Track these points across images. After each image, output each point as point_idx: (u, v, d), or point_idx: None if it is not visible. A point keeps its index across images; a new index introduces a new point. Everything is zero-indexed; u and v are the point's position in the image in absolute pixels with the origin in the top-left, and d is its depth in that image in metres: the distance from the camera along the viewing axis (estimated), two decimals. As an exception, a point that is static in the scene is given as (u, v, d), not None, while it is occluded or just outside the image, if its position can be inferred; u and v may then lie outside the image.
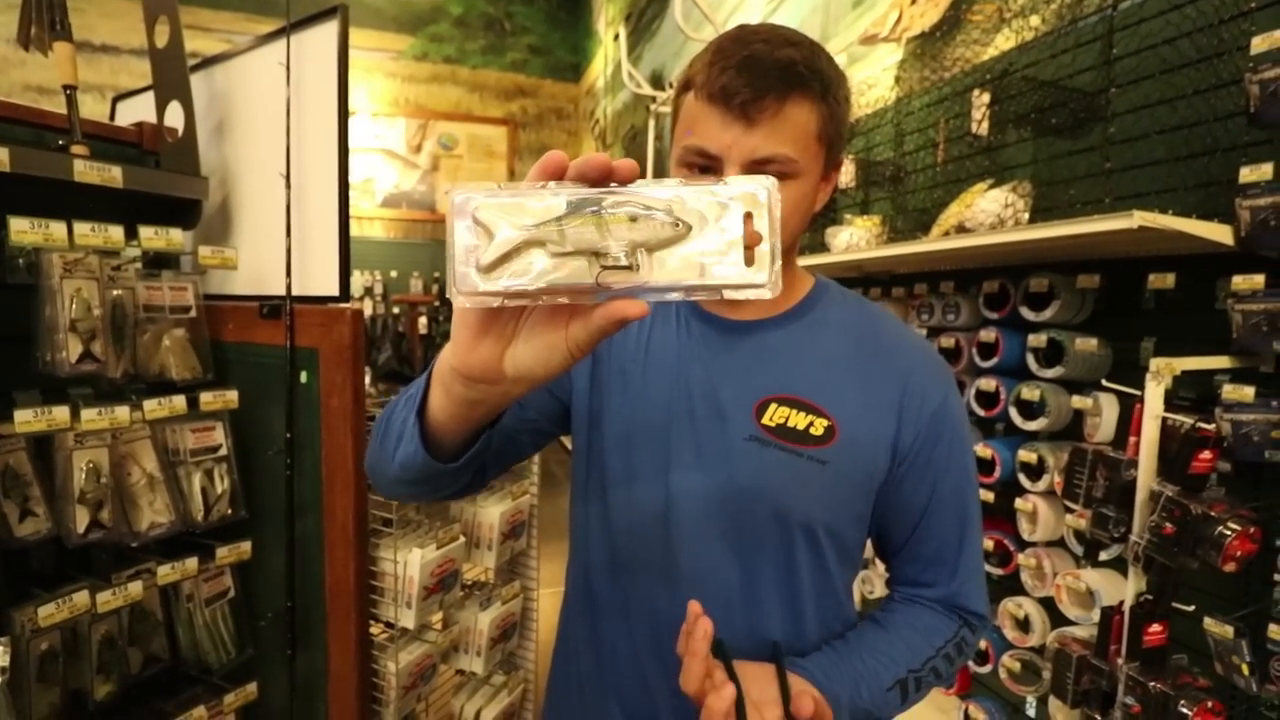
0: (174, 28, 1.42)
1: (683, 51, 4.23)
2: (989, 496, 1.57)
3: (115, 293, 1.27)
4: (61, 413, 1.13)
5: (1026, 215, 1.48)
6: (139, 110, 1.66)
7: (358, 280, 5.89)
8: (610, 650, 0.76)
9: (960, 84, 1.84)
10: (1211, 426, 1.09)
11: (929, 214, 1.81)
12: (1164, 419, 1.11)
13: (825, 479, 0.68)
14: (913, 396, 0.70)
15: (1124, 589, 1.15)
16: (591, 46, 6.63)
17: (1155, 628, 1.12)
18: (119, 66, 5.36)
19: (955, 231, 1.58)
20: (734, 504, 0.70)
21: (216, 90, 1.63)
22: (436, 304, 5.82)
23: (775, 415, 0.69)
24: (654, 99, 3.82)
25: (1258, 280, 1.08)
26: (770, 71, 0.61)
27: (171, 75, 1.45)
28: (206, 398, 1.38)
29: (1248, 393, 1.08)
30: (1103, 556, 1.37)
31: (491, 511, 1.68)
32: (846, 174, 2.15)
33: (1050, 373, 1.42)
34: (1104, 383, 1.29)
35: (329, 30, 1.43)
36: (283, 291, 1.43)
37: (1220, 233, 1.09)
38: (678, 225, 0.36)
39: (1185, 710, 1.06)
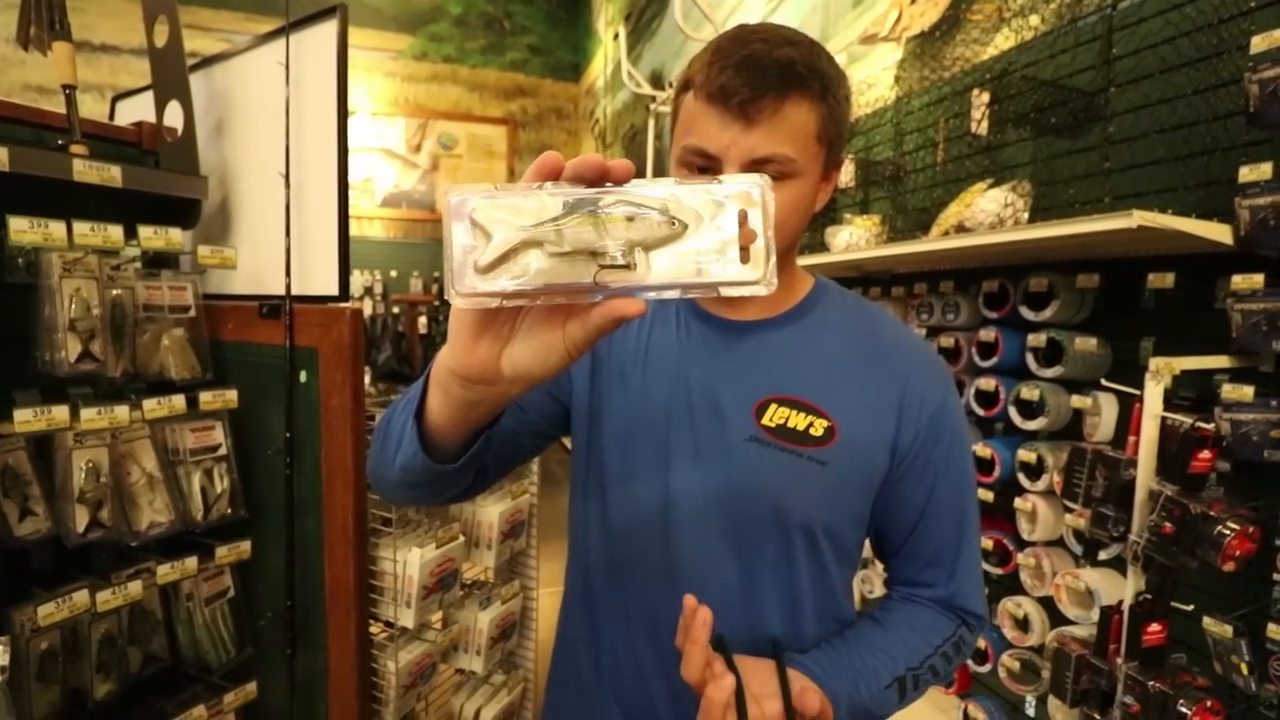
0: (173, 27, 1.42)
1: (682, 51, 4.23)
2: (988, 496, 1.57)
3: (114, 292, 1.27)
4: (61, 412, 1.13)
5: (1026, 215, 1.48)
6: (138, 110, 1.66)
7: (357, 280, 5.89)
8: (609, 650, 0.76)
9: (960, 83, 1.84)
10: (1211, 426, 1.09)
11: (928, 213, 1.81)
12: (1163, 418, 1.11)
13: (825, 480, 0.68)
14: (912, 397, 0.70)
15: (1123, 588, 1.15)
16: (591, 46, 6.63)
17: (1154, 627, 1.12)
18: (118, 66, 5.36)
19: (955, 231, 1.58)
20: (733, 504, 0.70)
21: (216, 90, 1.63)
22: (436, 303, 5.82)
23: (775, 416, 0.69)
24: (654, 98, 3.82)
25: (1257, 280, 1.08)
26: (769, 71, 0.61)
27: (171, 75, 1.45)
28: (206, 397, 1.38)
29: (1247, 392, 1.08)
30: (1102, 556, 1.37)
31: (491, 511, 1.68)
32: (846, 173, 2.15)
33: (1050, 372, 1.42)
34: (1103, 382, 1.29)
35: (328, 30, 1.43)
36: (282, 291, 1.43)
37: (1220, 232, 1.09)
38: (674, 224, 0.36)
39: (1184, 709, 1.06)
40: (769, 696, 0.60)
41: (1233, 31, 1.17)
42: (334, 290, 1.44)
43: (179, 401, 1.32)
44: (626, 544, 0.74)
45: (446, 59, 6.62)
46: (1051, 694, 1.32)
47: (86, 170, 1.20)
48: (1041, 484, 1.45)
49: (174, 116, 1.45)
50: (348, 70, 1.43)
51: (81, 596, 1.17)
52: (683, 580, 0.71)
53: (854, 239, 1.98)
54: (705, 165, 0.64)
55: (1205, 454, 1.09)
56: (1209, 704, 1.06)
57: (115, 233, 1.20)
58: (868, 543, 0.80)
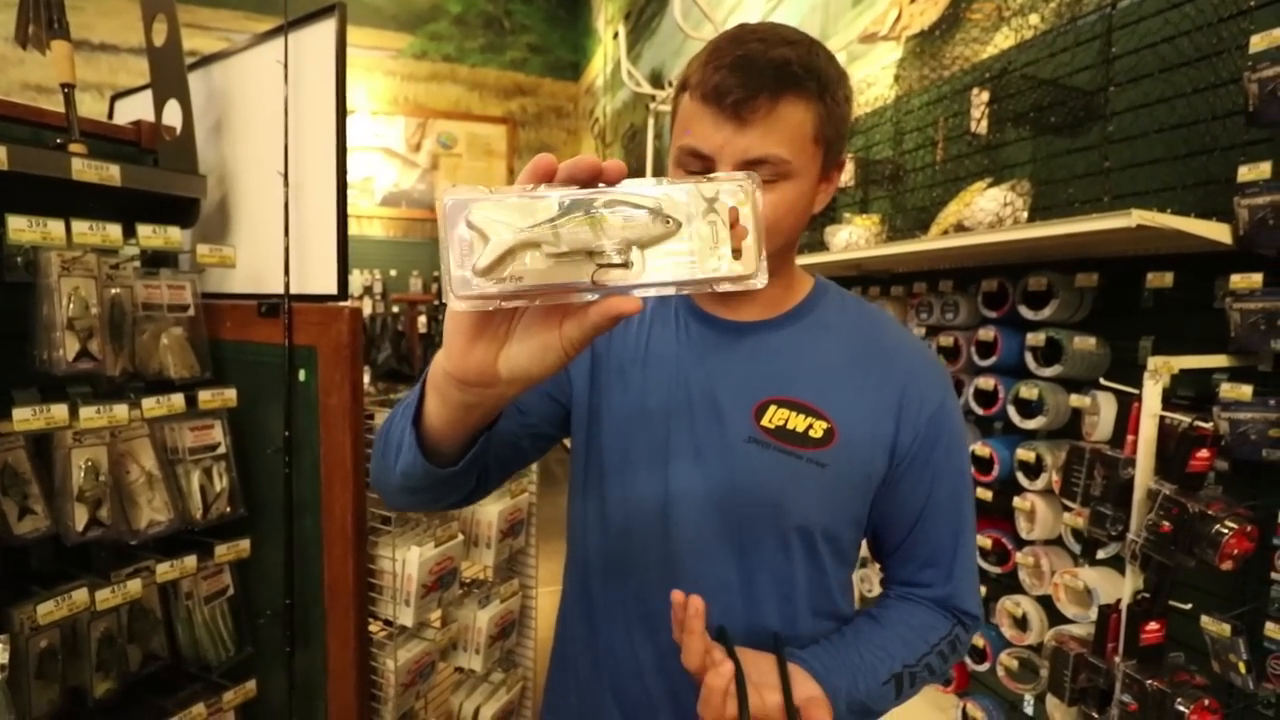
0: (172, 26, 1.42)
1: (682, 50, 4.23)
2: (987, 495, 1.57)
3: (113, 291, 1.27)
4: (60, 411, 1.14)
5: (1025, 214, 1.48)
6: (137, 109, 1.66)
7: (357, 279, 5.89)
8: (608, 649, 0.76)
9: (959, 82, 1.84)
10: (1209, 425, 1.09)
11: (928, 213, 1.81)
12: (1162, 417, 1.11)
13: (824, 481, 0.69)
14: (911, 399, 0.70)
15: (1121, 587, 1.16)
16: (591, 45, 6.63)
17: (1152, 626, 1.12)
18: (117, 65, 5.36)
19: (954, 230, 1.58)
20: (732, 504, 0.70)
21: (215, 89, 1.63)
22: (436, 303, 5.83)
23: (775, 417, 0.69)
24: (653, 97, 3.82)
25: (1256, 279, 1.08)
26: (764, 71, 0.60)
27: (169, 74, 1.45)
28: (205, 396, 1.38)
29: (1245, 391, 1.08)
30: (1100, 555, 1.37)
31: (490, 510, 1.68)
32: (845, 173, 2.14)
33: (1048, 371, 1.43)
34: (1102, 381, 1.29)
35: (327, 28, 1.43)
36: (281, 290, 1.43)
37: (1219, 231, 1.09)
38: (668, 222, 0.37)
39: (1182, 708, 1.06)
40: (770, 687, 0.60)
41: (1232, 31, 1.17)
42: (333, 289, 1.45)
43: (178, 400, 1.32)
44: (625, 543, 0.74)
45: (446, 58, 6.62)
46: (1050, 693, 1.32)
47: (85, 169, 1.20)
48: (1040, 483, 1.45)
49: (173, 115, 1.45)
50: (346, 69, 1.43)
51: (81, 595, 1.17)
52: (681, 579, 0.71)
53: (853, 238, 1.98)
54: (700, 167, 0.64)
55: (1203, 453, 1.09)
56: (1207, 703, 1.06)
57: (114, 231, 1.20)
58: (865, 542, 0.80)
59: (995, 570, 1.57)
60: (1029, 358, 1.47)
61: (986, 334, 1.56)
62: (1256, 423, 1.07)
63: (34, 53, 1.32)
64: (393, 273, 6.15)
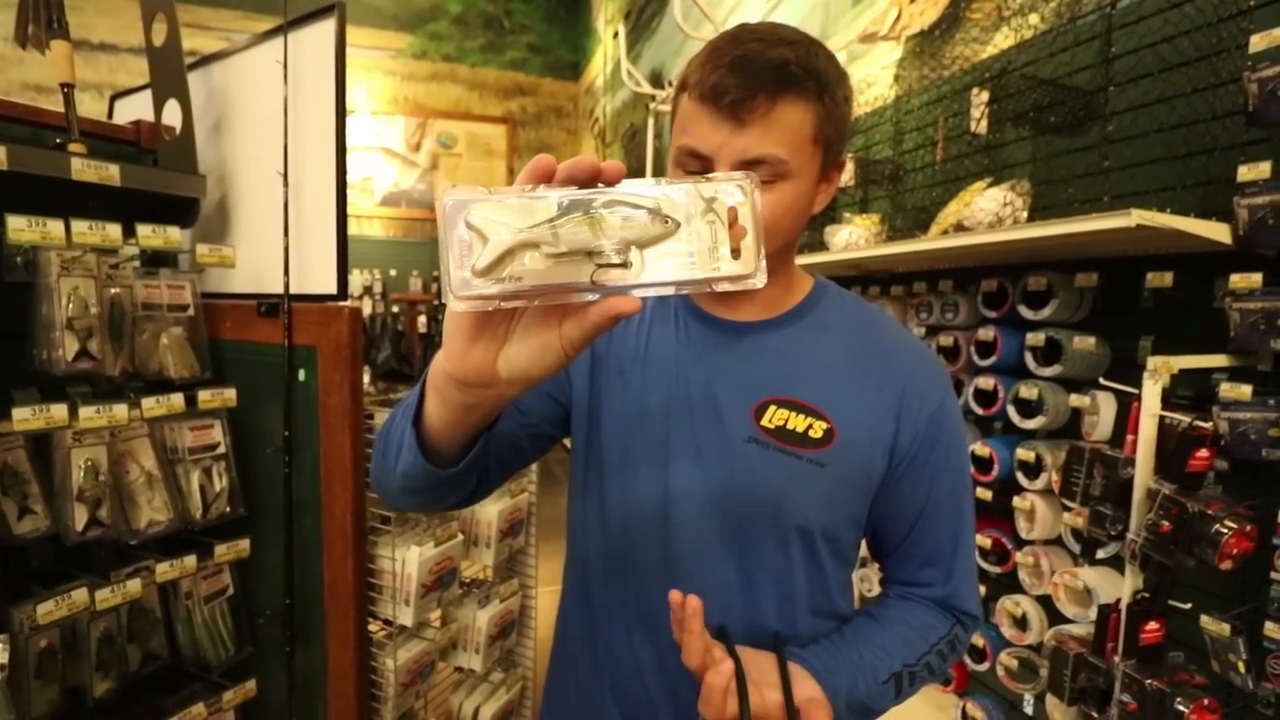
0: (171, 26, 1.42)
1: (682, 50, 4.23)
2: (987, 495, 1.57)
3: (113, 291, 1.27)
4: (60, 411, 1.14)
5: (1025, 214, 1.48)
6: (137, 108, 1.66)
7: (357, 279, 5.89)
8: (608, 649, 0.76)
9: (959, 82, 1.84)
10: (1209, 425, 1.09)
11: (928, 212, 1.81)
12: (1161, 417, 1.11)
13: (823, 482, 0.69)
14: (911, 399, 0.70)
15: (1121, 587, 1.16)
16: (591, 45, 6.63)
17: (1152, 625, 1.12)
18: (117, 65, 5.36)
19: (954, 230, 1.58)
20: (732, 504, 0.70)
21: (214, 88, 1.63)
22: (436, 302, 5.82)
23: (774, 417, 0.69)
24: (653, 97, 3.82)
25: (1255, 279, 1.08)
26: (762, 71, 0.60)
27: (169, 73, 1.45)
28: (204, 396, 1.38)
29: (1245, 391, 1.08)
30: (1100, 554, 1.37)
31: (490, 509, 1.68)
32: (845, 172, 2.14)
33: (1048, 371, 1.43)
34: (1102, 381, 1.29)
35: (326, 28, 1.43)
36: (280, 290, 1.43)
37: (1218, 231, 1.09)
38: (666, 222, 0.37)
39: (1181, 708, 1.06)
40: (770, 686, 0.60)
41: (1232, 30, 1.17)
42: (332, 289, 1.45)
43: (177, 400, 1.32)
44: (625, 543, 0.74)
45: (446, 58, 6.61)
46: (1049, 692, 1.32)
47: (85, 169, 1.20)
48: (1040, 483, 1.45)
49: (172, 115, 1.45)
50: (346, 69, 1.43)
51: (80, 595, 1.17)
52: (681, 579, 0.71)
53: (853, 238, 1.98)
54: (698, 167, 0.64)
55: (1203, 453, 1.09)
56: (1206, 702, 1.06)
57: (113, 231, 1.20)
58: (864, 542, 0.80)
59: (995, 570, 1.57)
60: (1029, 357, 1.47)
61: (986, 334, 1.56)
62: (1256, 422, 1.07)
63: (33, 52, 1.32)
64: (393, 272, 6.15)
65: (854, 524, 0.74)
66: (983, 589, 1.57)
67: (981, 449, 1.55)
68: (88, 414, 1.17)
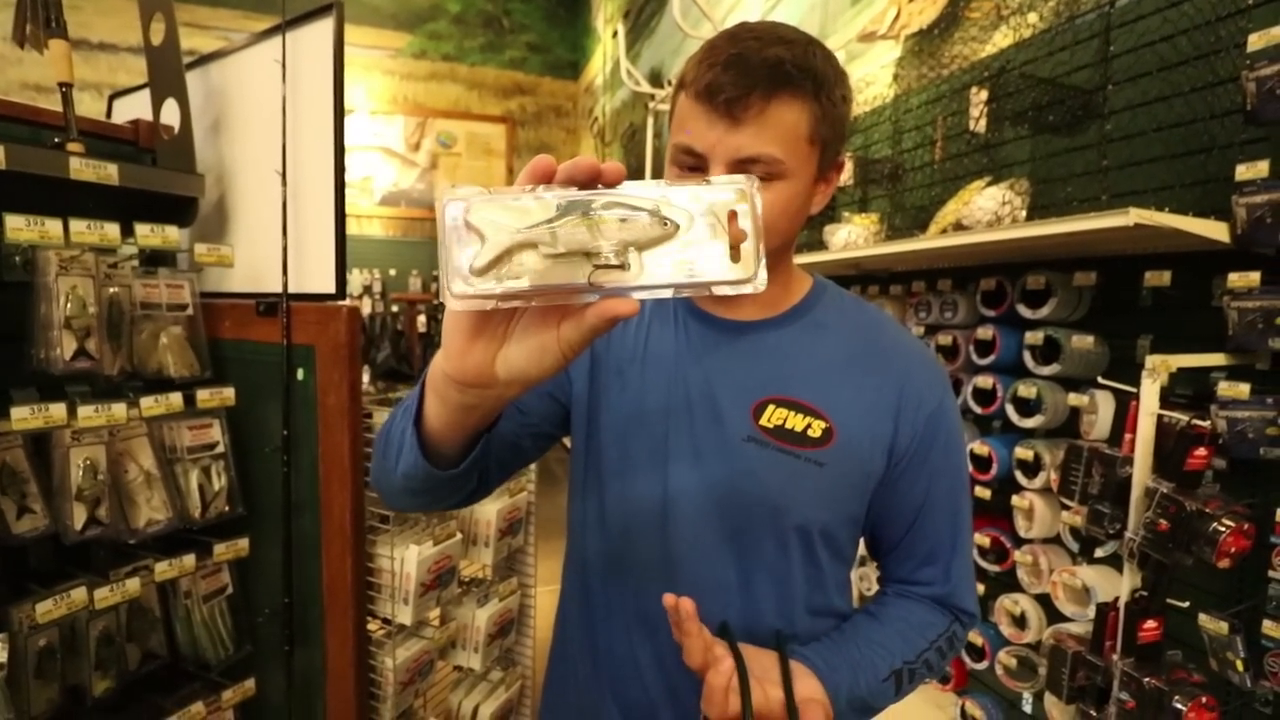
0: (170, 25, 1.42)
1: (681, 49, 4.23)
2: (986, 493, 1.57)
3: (111, 290, 1.27)
4: (58, 410, 1.14)
5: (1024, 213, 1.48)
6: (135, 108, 1.66)
7: (356, 278, 5.88)
8: (607, 648, 0.76)
9: (958, 81, 1.84)
10: (1207, 423, 1.09)
11: (927, 211, 1.81)
12: (1160, 416, 1.11)
13: (822, 481, 0.69)
14: (910, 399, 0.71)
15: (1119, 585, 1.16)
16: (590, 44, 6.62)
17: (1150, 624, 1.12)
18: (116, 64, 5.35)
19: (953, 229, 1.58)
20: (731, 504, 0.70)
21: (212, 88, 1.62)
22: (435, 302, 5.82)
23: (773, 417, 0.69)
24: (652, 96, 3.82)
25: (1253, 277, 1.08)
26: (757, 70, 0.60)
27: (167, 73, 1.45)
28: (203, 395, 1.38)
29: (1243, 390, 1.08)
30: (1098, 553, 1.37)
31: (489, 508, 1.68)
32: (844, 171, 2.14)
33: (1047, 370, 1.43)
34: (1100, 380, 1.29)
35: (325, 27, 1.43)
36: (279, 289, 1.43)
37: (1216, 230, 1.09)
38: (666, 224, 0.37)
39: (1179, 706, 1.06)
40: (772, 682, 0.60)
41: (1230, 29, 1.17)
42: (331, 288, 1.44)
43: (176, 399, 1.32)
44: (624, 542, 0.74)
45: (445, 57, 6.61)
46: (1048, 691, 1.32)
47: (83, 168, 1.20)
48: (1038, 481, 1.45)
49: (170, 114, 1.45)
50: (345, 68, 1.43)
51: (79, 594, 1.17)
52: (680, 578, 0.71)
53: (852, 237, 1.98)
54: (694, 164, 0.64)
55: (1201, 451, 1.09)
56: (1204, 700, 1.06)
57: (112, 231, 1.20)
58: (862, 540, 0.80)
59: (994, 569, 1.57)
60: (1027, 356, 1.47)
61: (985, 332, 1.56)
62: (1254, 421, 1.07)
63: (32, 52, 1.31)
64: (392, 272, 6.15)
65: (852, 523, 0.74)
66: (981, 587, 1.57)
67: (980, 448, 1.55)
68: (86, 413, 1.17)
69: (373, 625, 1.55)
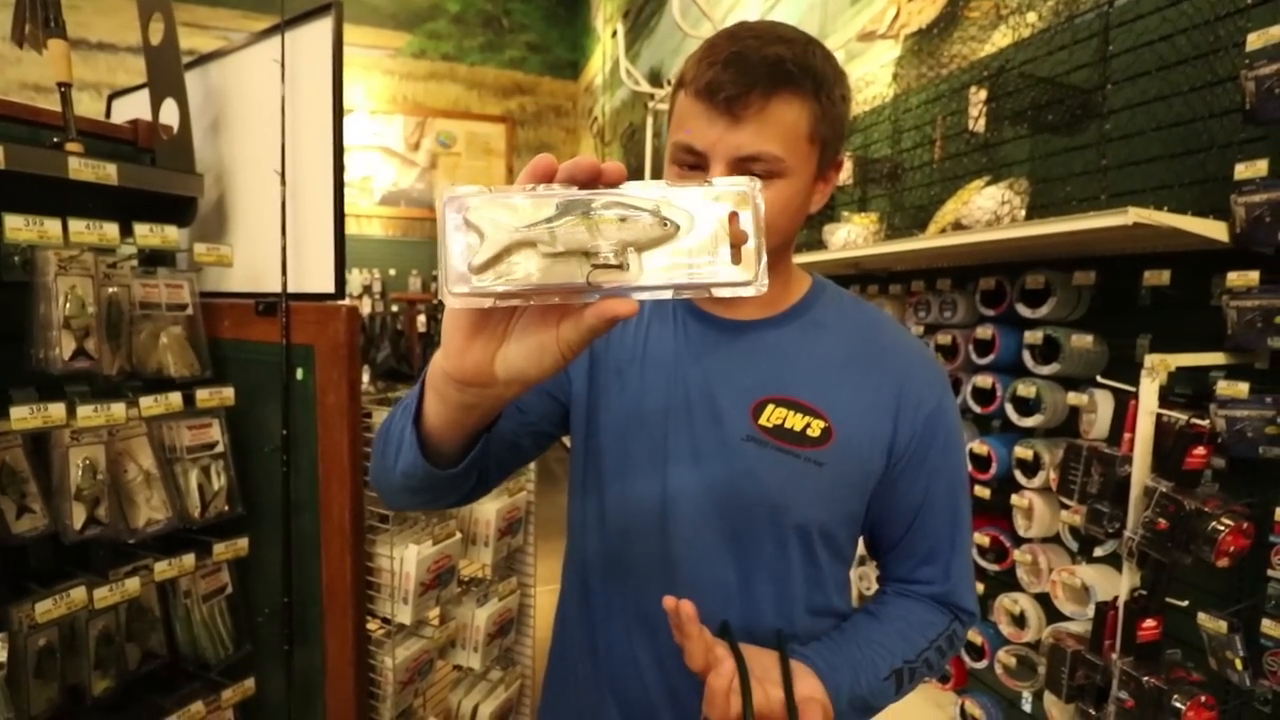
0: (168, 25, 1.42)
1: (681, 48, 4.23)
2: (985, 493, 1.57)
3: (110, 290, 1.27)
4: (58, 410, 1.13)
5: (1023, 212, 1.48)
6: (134, 108, 1.66)
7: (356, 278, 5.88)
8: (606, 648, 0.76)
9: (957, 81, 1.84)
10: (1206, 423, 1.09)
11: (926, 211, 1.81)
12: (1159, 415, 1.11)
13: (821, 480, 0.69)
14: (909, 398, 0.71)
15: (1119, 584, 1.16)
16: (590, 44, 6.62)
17: (1149, 623, 1.12)
18: (115, 64, 5.35)
19: (952, 228, 1.58)
20: (730, 504, 0.70)
21: (212, 87, 1.62)
22: (435, 302, 5.82)
23: (772, 416, 0.69)
24: (652, 96, 3.81)
25: (1252, 277, 1.08)
26: (757, 68, 0.60)
27: (166, 72, 1.45)
28: (203, 395, 1.38)
29: (1242, 389, 1.08)
30: (1098, 552, 1.37)
31: (488, 508, 1.68)
32: (844, 171, 2.15)
33: (1046, 369, 1.43)
34: (1099, 379, 1.29)
35: (324, 27, 1.43)
36: (278, 289, 1.43)
37: (1215, 229, 1.09)
38: (666, 225, 0.37)
39: (1179, 705, 1.06)
40: (773, 682, 0.60)
41: (1229, 29, 1.17)
42: (330, 288, 1.45)
43: (176, 399, 1.32)
44: (624, 542, 0.74)
45: (445, 57, 6.61)
46: (1047, 690, 1.32)
47: (82, 168, 1.20)
48: (1038, 481, 1.45)
49: (170, 114, 1.45)
50: (344, 68, 1.43)
51: (79, 593, 1.17)
52: (679, 578, 0.71)
53: (851, 236, 1.98)
54: (694, 162, 0.64)
55: (1200, 450, 1.09)
56: (1203, 699, 1.06)
57: (111, 230, 1.20)
58: (861, 540, 0.80)
59: (993, 568, 1.57)
60: (1027, 356, 1.47)
61: (984, 332, 1.56)
62: (1253, 420, 1.07)
63: (31, 52, 1.31)
64: (392, 272, 6.14)
65: (852, 522, 0.74)
66: (981, 587, 1.57)
67: (979, 447, 1.55)
68: (85, 413, 1.17)
69: (372, 625, 1.55)
